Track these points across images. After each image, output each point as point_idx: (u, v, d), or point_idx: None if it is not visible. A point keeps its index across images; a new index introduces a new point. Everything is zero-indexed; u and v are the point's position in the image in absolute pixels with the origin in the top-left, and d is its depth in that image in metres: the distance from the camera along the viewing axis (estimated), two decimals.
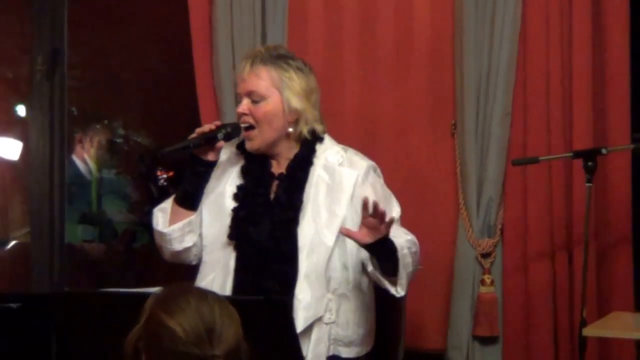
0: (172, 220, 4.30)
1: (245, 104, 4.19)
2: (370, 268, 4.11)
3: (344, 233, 4.00)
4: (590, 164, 4.73)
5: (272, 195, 4.24)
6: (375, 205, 3.82)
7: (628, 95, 5.06)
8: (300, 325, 4.08)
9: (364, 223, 3.89)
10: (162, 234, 4.30)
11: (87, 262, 5.82)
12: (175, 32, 5.52)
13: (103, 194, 7.93)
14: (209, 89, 5.27)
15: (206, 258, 4.31)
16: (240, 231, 4.21)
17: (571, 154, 4.88)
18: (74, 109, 6.67)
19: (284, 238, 4.18)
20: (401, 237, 4.10)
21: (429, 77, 5.18)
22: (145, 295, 2.93)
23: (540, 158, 4.92)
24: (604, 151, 4.81)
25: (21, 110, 7.57)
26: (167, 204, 4.32)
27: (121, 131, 8.27)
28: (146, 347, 2.86)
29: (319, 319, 4.16)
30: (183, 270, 4.54)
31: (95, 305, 4.10)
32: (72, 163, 7.51)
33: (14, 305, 4.38)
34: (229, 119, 4.99)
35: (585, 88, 5.02)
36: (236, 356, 2.83)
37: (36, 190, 5.77)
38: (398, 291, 4.10)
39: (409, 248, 4.11)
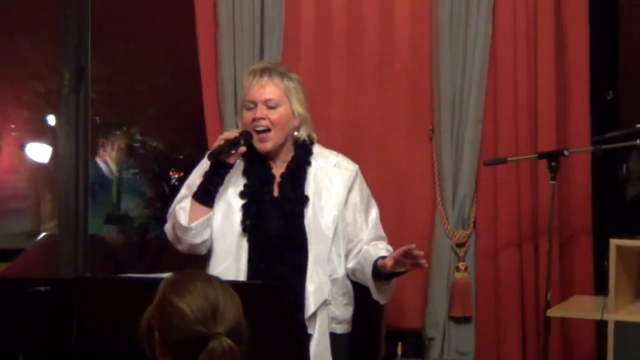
0: (192, 216, 4.30)
1: (261, 110, 4.24)
2: (363, 275, 4.27)
3: (389, 265, 4.12)
4: (553, 164, 4.74)
5: (275, 193, 4.29)
6: (415, 253, 3.98)
7: (587, 103, 5.07)
8: (311, 308, 4.21)
9: (396, 258, 4.04)
10: (187, 228, 4.29)
11: (107, 251, 5.83)
12: (184, 51, 5.53)
13: (122, 191, 7.94)
14: (214, 101, 5.26)
15: (217, 249, 4.32)
16: (252, 224, 4.25)
17: (536, 155, 4.89)
18: (96, 118, 6.67)
19: (294, 229, 4.25)
20: (383, 250, 4.30)
21: (408, 88, 5.18)
22: (158, 280, 2.95)
23: (509, 159, 4.92)
24: (566, 152, 4.81)
25: (51, 119, 7.59)
26: (186, 203, 4.32)
27: (138, 137, 8.28)
28: (158, 324, 2.88)
29: (324, 301, 4.23)
30: (190, 259, 4.53)
31: (113, 288, 4.15)
32: (95, 165, 7.52)
33: (42, 288, 4.39)
34: (230, 125, 5.08)
35: (549, 97, 5.01)
36: (237, 333, 2.84)
37: (64, 189, 5.77)
38: (382, 300, 4.32)
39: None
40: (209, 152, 4.29)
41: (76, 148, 5.74)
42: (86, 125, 5.74)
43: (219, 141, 4.27)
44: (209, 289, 2.87)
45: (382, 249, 4.33)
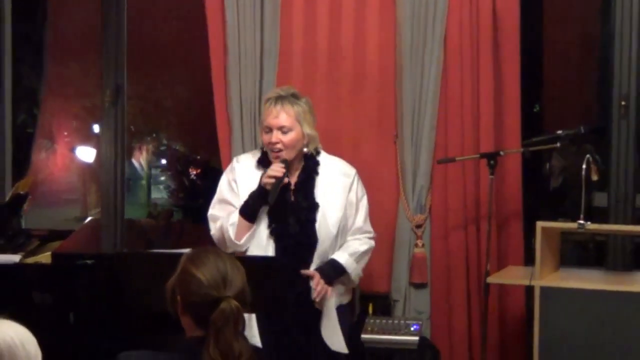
0: (240, 232, 4.26)
1: (275, 135, 4.23)
2: None
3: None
4: (492, 162, 4.76)
5: (292, 198, 4.29)
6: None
7: (519, 114, 5.07)
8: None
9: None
10: (238, 245, 4.26)
11: (139, 232, 5.82)
12: (200, 73, 5.53)
13: (152, 184, 7.93)
14: (224, 112, 5.25)
15: (251, 247, 4.28)
16: (276, 228, 4.25)
17: (478, 155, 4.89)
18: (131, 127, 6.66)
19: (307, 232, 4.26)
20: (351, 251, 4.37)
21: (377, 102, 5.16)
22: (179, 255, 2.99)
23: (457, 158, 4.94)
24: (502, 153, 4.84)
25: (96, 128, 7.57)
26: (234, 219, 4.27)
27: (164, 142, 8.26)
28: (180, 289, 2.91)
29: None
30: (205, 239, 4.55)
31: (144, 261, 4.17)
32: (131, 164, 7.50)
33: (89, 261, 4.39)
34: (236, 131, 5.13)
35: (488, 109, 5.01)
36: (242, 296, 2.87)
37: (105, 183, 5.75)
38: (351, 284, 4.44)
39: (356, 254, 4.36)
40: (269, 197, 4.19)
41: (115, 151, 5.73)
42: (123, 132, 5.73)
43: (269, 178, 4.20)
44: (220, 261, 2.91)
45: (349, 246, 4.36)
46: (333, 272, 4.26)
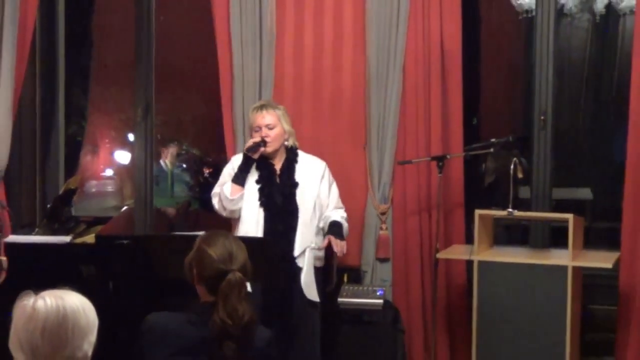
0: (232, 192, 4.42)
1: (264, 131, 4.43)
2: (325, 231, 4.50)
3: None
4: (440, 164, 4.76)
5: (277, 180, 4.43)
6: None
7: (461, 125, 5.06)
8: (297, 250, 4.36)
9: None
10: (230, 200, 4.41)
11: (164, 219, 5.81)
12: (212, 93, 5.49)
13: (175, 181, 7.91)
14: (230, 125, 5.21)
15: (244, 216, 4.42)
16: (265, 200, 4.38)
17: (430, 158, 4.89)
18: (158, 135, 6.62)
19: (290, 203, 4.40)
20: (341, 217, 4.51)
21: (350, 117, 5.14)
22: (195, 236, 2.98)
23: (413, 160, 4.92)
24: (448, 156, 4.84)
25: (130, 136, 7.55)
26: (227, 186, 4.44)
27: (184, 147, 8.23)
28: (195, 264, 2.91)
29: (308, 246, 4.38)
30: (216, 223, 4.59)
31: (168, 242, 4.16)
32: (158, 164, 7.46)
33: (124, 241, 4.37)
34: (240, 141, 5.07)
35: (437, 121, 5.00)
36: (245, 270, 2.87)
37: (138, 179, 5.72)
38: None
39: (344, 220, 4.54)
40: (245, 149, 4.47)
41: (145, 154, 5.70)
42: (151, 140, 5.70)
43: (249, 143, 4.45)
44: (227, 241, 2.91)
45: (336, 215, 4.51)
46: (337, 229, 4.43)
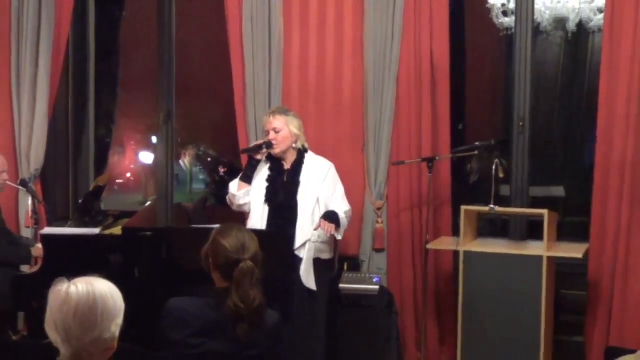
0: (238, 189, 4.44)
1: (272, 135, 4.40)
2: None
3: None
4: (430, 164, 4.75)
5: (285, 179, 4.40)
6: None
7: (449, 130, 5.02)
8: (298, 243, 4.30)
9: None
10: (235, 195, 4.43)
11: (184, 213, 5.79)
12: (227, 101, 5.48)
13: (193, 179, 7.91)
14: (244, 130, 5.20)
15: (252, 210, 4.40)
16: (270, 198, 4.36)
17: (421, 160, 4.87)
18: (178, 138, 6.61)
19: (291, 200, 4.35)
20: (341, 211, 4.41)
21: (350, 122, 5.12)
22: (211, 229, 2.98)
23: (406, 161, 4.91)
24: (437, 158, 4.83)
25: (153, 139, 7.53)
26: (234, 183, 4.47)
27: (202, 149, 8.22)
28: (211, 253, 2.91)
29: (308, 240, 4.32)
30: (229, 217, 4.58)
31: (187, 233, 4.16)
32: (178, 164, 7.46)
33: (148, 233, 4.38)
34: (252, 143, 5.01)
35: (428, 127, 4.98)
36: (255, 259, 2.87)
37: (160, 177, 5.74)
38: (338, 236, 4.39)
39: (346, 215, 4.43)
40: (240, 150, 4.60)
41: (167, 155, 5.71)
42: (172, 142, 5.70)
43: (252, 145, 4.53)
44: (240, 233, 2.90)
45: (338, 209, 4.42)
46: (330, 214, 4.34)
